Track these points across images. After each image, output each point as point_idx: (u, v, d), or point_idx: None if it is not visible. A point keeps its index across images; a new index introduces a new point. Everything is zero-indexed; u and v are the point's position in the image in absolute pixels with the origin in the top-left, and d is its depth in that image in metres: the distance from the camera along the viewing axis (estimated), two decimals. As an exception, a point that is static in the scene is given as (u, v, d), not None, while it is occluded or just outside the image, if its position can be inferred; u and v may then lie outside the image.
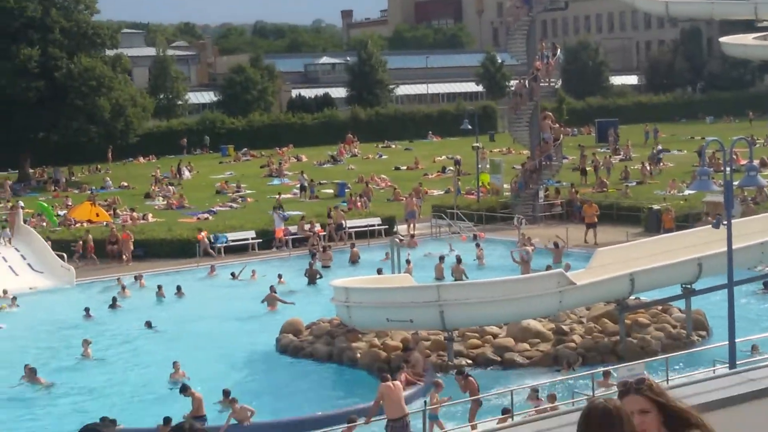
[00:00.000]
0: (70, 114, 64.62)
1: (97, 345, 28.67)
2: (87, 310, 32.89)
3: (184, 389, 21.37)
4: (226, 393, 22.10)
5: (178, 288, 35.52)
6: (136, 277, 37.42)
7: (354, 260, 40.11)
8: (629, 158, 68.30)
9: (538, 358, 25.46)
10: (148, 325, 30.72)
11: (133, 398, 23.88)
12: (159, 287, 35.50)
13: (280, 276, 36.27)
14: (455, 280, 34.35)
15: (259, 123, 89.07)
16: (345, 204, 51.35)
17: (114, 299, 34.09)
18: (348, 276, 32.19)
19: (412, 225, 45.53)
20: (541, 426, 16.65)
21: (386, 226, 45.61)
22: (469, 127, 57.27)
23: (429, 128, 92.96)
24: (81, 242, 41.00)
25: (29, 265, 38.78)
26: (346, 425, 19.83)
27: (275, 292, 33.26)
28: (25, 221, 43.73)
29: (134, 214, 50.10)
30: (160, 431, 19.25)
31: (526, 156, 52.78)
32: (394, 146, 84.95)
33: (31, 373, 24.87)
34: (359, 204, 50.66)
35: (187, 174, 68.94)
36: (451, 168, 64.38)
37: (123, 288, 36.18)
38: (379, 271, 33.39)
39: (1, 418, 22.73)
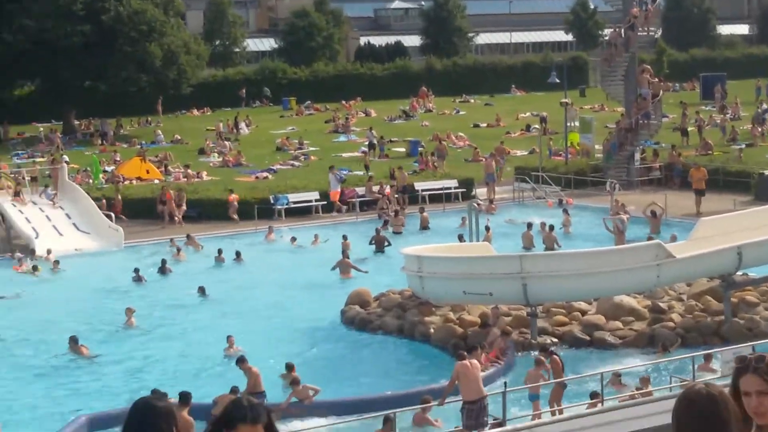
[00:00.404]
0: (118, 61, 65.33)
1: (144, 312, 29.10)
2: (137, 271, 33.38)
3: (241, 361, 21.62)
4: (289, 367, 22.31)
5: (238, 254, 35.87)
6: (188, 237, 37.89)
7: (424, 226, 40.20)
8: (738, 117, 67.28)
9: (632, 338, 25.32)
10: (202, 291, 31.12)
11: (183, 372, 24.17)
12: (219, 251, 35.87)
13: (345, 237, 36.39)
14: (546, 249, 34.29)
15: (324, 73, 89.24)
16: (417, 164, 51.39)
17: (163, 262, 34.53)
18: (418, 243, 32.26)
19: (491, 188, 45.43)
20: (634, 413, 16.62)
21: (463, 190, 45.57)
22: (557, 80, 56.76)
23: (512, 81, 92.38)
24: (104, 201, 41.44)
25: (74, 225, 39.43)
26: (419, 407, 19.95)
27: (348, 258, 33.45)
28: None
29: (189, 171, 50.58)
30: (218, 401, 19.50)
31: (621, 114, 52.24)
32: (472, 101, 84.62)
33: (73, 343, 25.33)
34: (433, 164, 50.66)
35: (244, 129, 69.44)
36: (537, 126, 63.99)
37: (178, 250, 36.66)
38: (461, 238, 33.45)
39: (42, 390, 23.19)
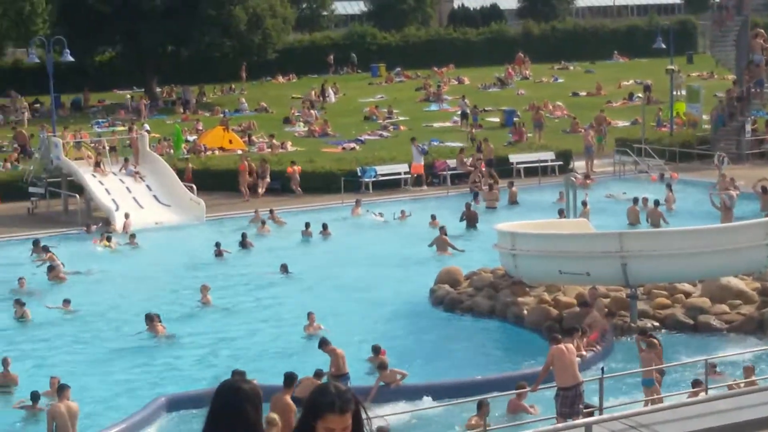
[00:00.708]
0: (201, 25, 65.87)
1: (224, 289, 29.40)
2: (218, 245, 33.72)
3: (324, 343, 21.70)
4: (375, 349, 22.36)
5: (324, 226, 36.06)
6: (271, 212, 38.15)
7: (513, 201, 40.01)
8: None
9: (739, 322, 24.95)
10: (284, 269, 31.27)
11: (261, 353, 24.33)
12: (306, 225, 36.06)
13: (433, 217, 36.45)
14: (652, 226, 33.95)
15: (415, 38, 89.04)
16: (511, 135, 51.12)
17: (244, 236, 34.70)
18: (511, 220, 32.11)
19: (590, 161, 45.04)
20: (739, 403, 16.40)
21: (560, 163, 45.25)
22: (663, 45, 56.00)
23: (614, 47, 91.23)
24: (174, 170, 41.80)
25: (155, 197, 39.94)
26: (513, 392, 19.91)
27: (446, 235, 33.49)
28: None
29: (273, 141, 50.89)
30: (300, 382, 19.62)
31: (732, 81, 51.37)
32: (572, 68, 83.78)
33: (149, 321, 25.58)
34: (528, 135, 50.38)
35: (332, 96, 69.66)
36: (640, 95, 63.17)
37: (262, 223, 36.94)
38: (561, 213, 33.30)
39: (118, 369, 23.53)
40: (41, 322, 26.97)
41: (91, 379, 22.58)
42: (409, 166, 43.49)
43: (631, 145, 45.92)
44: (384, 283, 29.84)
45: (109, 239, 35.17)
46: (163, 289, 30.30)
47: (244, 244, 34.47)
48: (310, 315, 25.43)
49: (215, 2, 65.65)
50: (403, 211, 38.23)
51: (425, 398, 20.50)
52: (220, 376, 19.94)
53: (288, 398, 17.72)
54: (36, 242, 34.24)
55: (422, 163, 43.34)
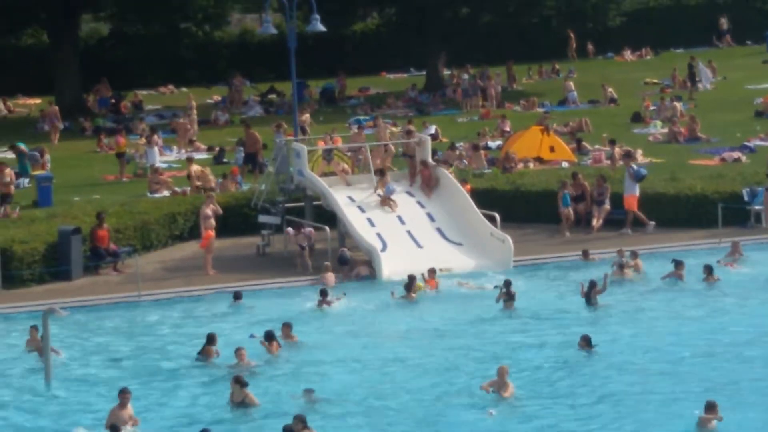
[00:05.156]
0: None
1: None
2: (505, 287, 34.02)
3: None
4: None
5: (708, 269, 35.92)
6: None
7: None
8: None
9: None
10: (585, 342, 30.41)
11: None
12: (677, 264, 36.09)
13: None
14: None
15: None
16: None
17: (592, 285, 34.12)
18: None
19: None
20: None
21: None
22: None
23: None
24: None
25: (439, 231, 39.89)
26: None
27: None
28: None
29: (615, 149, 50.05)
30: None
31: None
32: None
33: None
34: None
35: (705, 80, 68.85)
36: None
37: (620, 268, 36.78)
38: None
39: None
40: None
41: None
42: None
43: None
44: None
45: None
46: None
47: (589, 297, 34.21)
48: (708, 413, 24.72)
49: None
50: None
51: None
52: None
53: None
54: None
55: (636, 194, 41.74)
